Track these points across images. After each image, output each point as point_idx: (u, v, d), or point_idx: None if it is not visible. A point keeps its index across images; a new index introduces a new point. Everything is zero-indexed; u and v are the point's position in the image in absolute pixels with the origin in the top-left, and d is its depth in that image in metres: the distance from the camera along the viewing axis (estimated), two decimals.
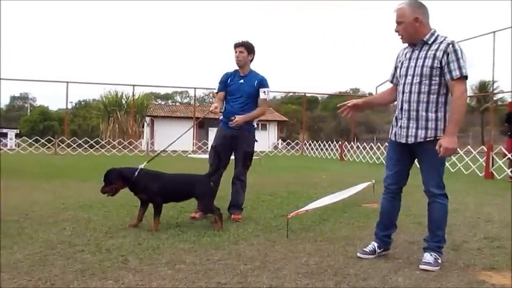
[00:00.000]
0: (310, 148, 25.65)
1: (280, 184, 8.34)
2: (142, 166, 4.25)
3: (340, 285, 2.76)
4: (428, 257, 3.14)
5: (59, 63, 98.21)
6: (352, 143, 21.63)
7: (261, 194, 6.72)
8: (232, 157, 4.89)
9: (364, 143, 19.77)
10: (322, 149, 23.46)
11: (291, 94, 51.81)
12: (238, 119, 4.64)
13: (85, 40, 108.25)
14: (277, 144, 32.91)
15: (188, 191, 4.32)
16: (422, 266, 3.08)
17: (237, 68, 4.84)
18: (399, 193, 3.41)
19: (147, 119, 34.18)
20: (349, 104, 3.48)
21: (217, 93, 4.94)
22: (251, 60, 4.84)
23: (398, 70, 3.30)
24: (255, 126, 4.94)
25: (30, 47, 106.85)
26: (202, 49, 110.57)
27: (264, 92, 4.77)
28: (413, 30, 3.12)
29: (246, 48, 4.74)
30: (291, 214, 4.21)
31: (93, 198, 5.70)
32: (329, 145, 22.59)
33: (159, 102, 53.19)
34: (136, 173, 4.17)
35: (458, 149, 12.61)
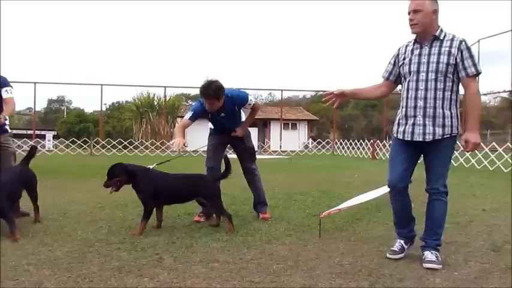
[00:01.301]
0: (341, 147, 25.39)
1: (311, 183, 8.29)
2: (151, 167, 4.22)
3: (375, 285, 2.71)
4: (430, 255, 3.10)
5: (93, 66, 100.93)
6: (384, 141, 21.26)
7: (293, 193, 6.70)
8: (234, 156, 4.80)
9: None
10: (353, 148, 23.19)
11: (321, 93, 51.40)
12: (239, 131, 4.63)
13: (118, 43, 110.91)
14: (308, 143, 32.69)
15: (193, 191, 4.22)
16: (427, 265, 3.03)
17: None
18: (407, 189, 3.33)
19: (179, 119, 34.65)
20: (335, 92, 3.39)
21: (188, 119, 4.47)
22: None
23: (405, 67, 3.20)
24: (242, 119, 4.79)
25: (65, 51, 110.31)
26: (230, 50, 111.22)
27: (249, 104, 4.63)
28: (430, 21, 3.08)
29: (216, 97, 4.28)
30: (323, 213, 4.18)
31: (128, 198, 5.81)
32: (360, 144, 22.30)
33: (190, 103, 53.89)
34: (142, 171, 4.12)
35: (496, 146, 12.10)
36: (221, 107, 4.41)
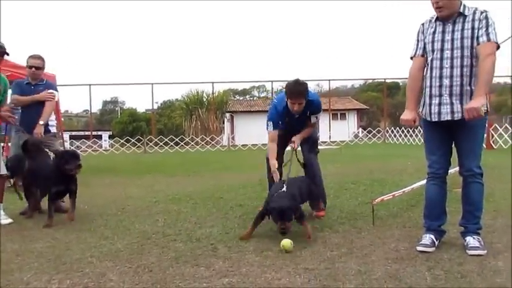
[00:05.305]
0: (392, 135, 24.73)
1: (363, 172, 8.15)
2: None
3: (434, 270, 2.64)
4: (472, 241, 2.96)
5: (143, 66, 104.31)
6: None
7: (344, 182, 6.62)
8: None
9: None
10: (406, 136, 22.51)
11: (370, 81, 50.23)
12: (297, 142, 4.33)
13: (166, 43, 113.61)
14: (358, 133, 32.09)
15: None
16: (472, 252, 2.88)
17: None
18: (446, 176, 3.19)
19: (227, 114, 35.06)
20: (414, 121, 3.14)
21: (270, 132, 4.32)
22: None
23: (428, 45, 3.05)
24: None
25: (117, 53, 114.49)
26: (276, 43, 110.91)
27: (316, 117, 4.43)
28: (455, 2, 2.96)
29: (304, 97, 4.14)
30: (376, 200, 4.10)
31: (182, 192, 5.99)
32: (413, 131, 21.59)
33: (237, 97, 54.35)
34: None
35: None
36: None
